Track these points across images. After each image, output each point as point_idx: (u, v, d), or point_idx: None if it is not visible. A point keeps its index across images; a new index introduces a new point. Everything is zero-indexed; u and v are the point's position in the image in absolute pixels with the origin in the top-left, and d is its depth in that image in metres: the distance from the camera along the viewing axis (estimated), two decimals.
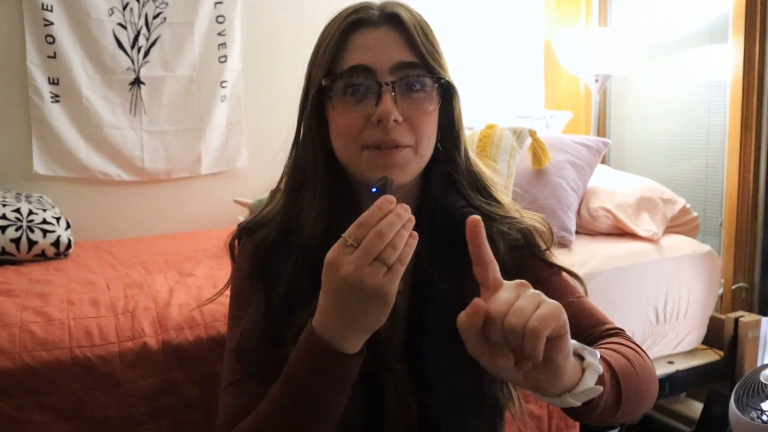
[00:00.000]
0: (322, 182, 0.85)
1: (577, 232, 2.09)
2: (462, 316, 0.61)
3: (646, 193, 2.18)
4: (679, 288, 2.05)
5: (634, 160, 2.88)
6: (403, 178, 0.82)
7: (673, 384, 2.03)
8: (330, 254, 0.66)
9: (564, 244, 1.98)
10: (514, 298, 0.61)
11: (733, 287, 2.38)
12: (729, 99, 2.42)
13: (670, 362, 2.08)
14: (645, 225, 2.09)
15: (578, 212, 2.15)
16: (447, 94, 0.85)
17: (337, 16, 0.84)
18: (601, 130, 2.98)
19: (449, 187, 0.89)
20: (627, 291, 1.96)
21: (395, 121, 0.79)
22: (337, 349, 0.68)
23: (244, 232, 0.94)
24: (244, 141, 2.52)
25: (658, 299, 2.01)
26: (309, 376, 0.70)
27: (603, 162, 2.95)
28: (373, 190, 0.73)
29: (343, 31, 0.82)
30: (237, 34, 2.47)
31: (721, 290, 2.41)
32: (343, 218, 0.72)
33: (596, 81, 2.63)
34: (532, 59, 3.05)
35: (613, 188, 2.23)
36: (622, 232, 2.12)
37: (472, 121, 1.94)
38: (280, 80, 2.51)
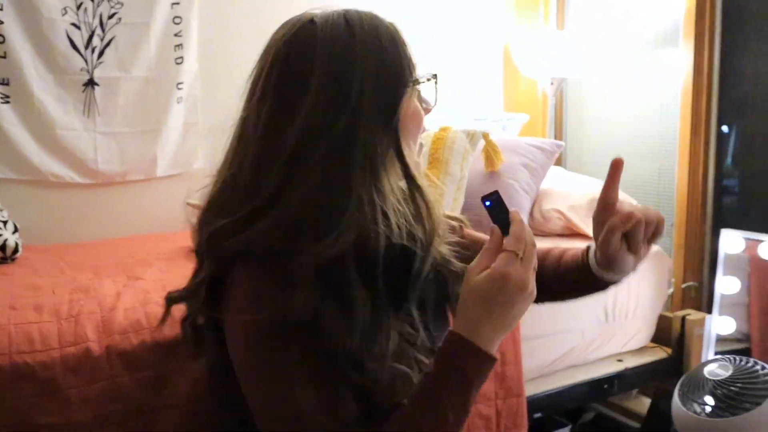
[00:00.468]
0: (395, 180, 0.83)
1: None
2: (616, 219, 0.87)
3: (595, 195, 2.21)
4: (628, 288, 2.10)
5: (591, 163, 2.93)
6: None
7: (622, 381, 2.08)
8: (510, 269, 0.75)
9: None
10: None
11: (683, 286, 2.45)
12: (680, 103, 2.48)
13: (620, 360, 2.13)
14: None
15: (531, 214, 2.19)
16: None
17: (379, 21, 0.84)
18: (558, 132, 3.03)
19: None
20: None
21: None
22: (490, 354, 0.76)
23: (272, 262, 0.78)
24: (201, 143, 2.51)
25: (607, 299, 2.05)
26: (469, 383, 0.75)
27: (559, 164, 3.01)
28: (488, 203, 0.79)
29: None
30: (194, 35, 2.46)
31: (672, 290, 2.47)
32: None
33: (552, 84, 2.67)
34: (491, 62, 3.09)
35: (566, 190, 2.27)
36: (574, 233, 2.16)
37: (428, 124, 1.97)
38: (238, 81, 2.49)
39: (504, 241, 0.77)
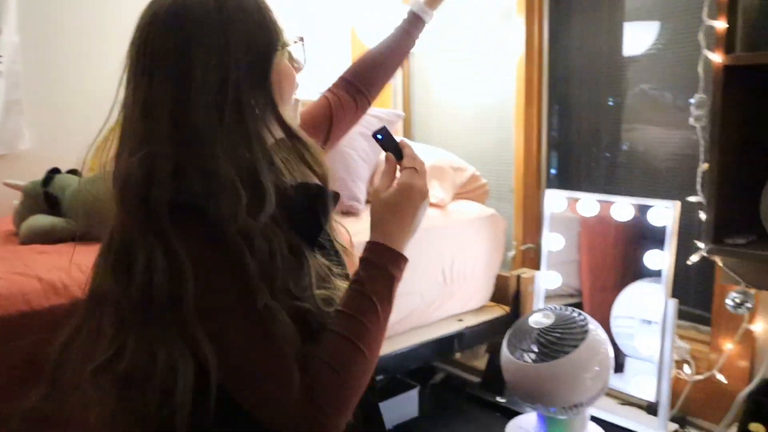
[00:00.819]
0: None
1: (368, 201, 2.17)
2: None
3: (436, 162, 2.30)
4: (465, 250, 2.19)
5: (438, 134, 3.00)
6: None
7: (462, 340, 2.17)
8: (412, 181, 0.90)
9: (353, 213, 2.04)
10: None
11: (523, 248, 2.58)
12: (515, 75, 2.60)
13: (460, 320, 2.22)
14: (434, 192, 2.20)
15: (371, 182, 2.23)
16: None
17: None
18: (407, 105, 3.10)
19: None
20: (415, 255, 2.04)
21: None
22: (403, 254, 0.90)
23: (189, 211, 0.81)
24: (26, 121, 2.35)
25: (444, 261, 2.13)
26: (391, 278, 0.88)
27: (408, 136, 3.08)
28: (379, 136, 0.94)
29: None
30: (12, 3, 2.29)
31: (513, 252, 2.60)
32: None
33: None
34: (340, 39, 3.10)
35: None
36: None
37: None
38: (66, 55, 2.36)
39: (402, 162, 0.93)
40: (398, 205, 0.89)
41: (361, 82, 1.27)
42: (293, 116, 0.94)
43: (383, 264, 0.88)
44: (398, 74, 2.94)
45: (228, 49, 0.83)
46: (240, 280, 0.78)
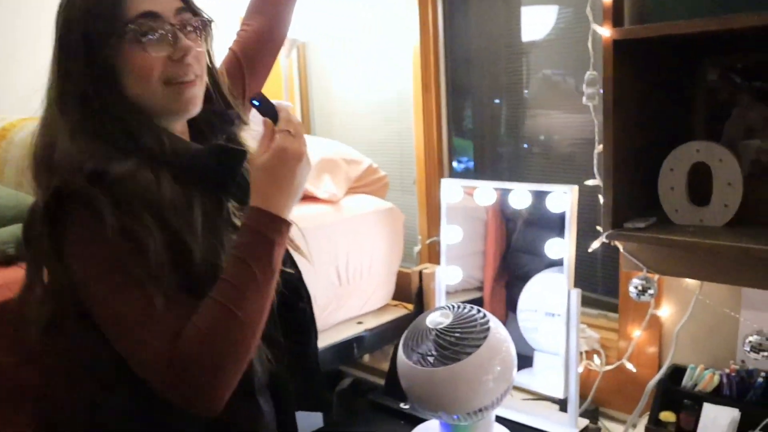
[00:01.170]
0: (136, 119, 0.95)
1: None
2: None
3: (328, 155, 2.13)
4: (361, 247, 2.04)
5: (340, 128, 2.87)
6: (197, 109, 1.00)
7: (362, 344, 2.02)
8: (286, 144, 0.91)
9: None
10: None
11: (428, 242, 2.46)
12: (411, 62, 2.47)
13: (359, 322, 2.07)
14: (324, 186, 2.04)
15: None
16: (208, 34, 1.04)
17: None
18: (304, 99, 2.94)
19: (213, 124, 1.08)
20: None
21: (193, 55, 0.96)
22: (286, 219, 0.92)
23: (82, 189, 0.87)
24: None
25: (339, 260, 1.97)
26: (270, 243, 0.89)
27: (307, 131, 2.92)
28: (256, 102, 0.94)
29: None
30: None
31: (419, 247, 2.48)
32: (174, 138, 0.98)
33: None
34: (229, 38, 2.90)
35: None
36: (304, 196, 2.05)
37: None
38: None
39: (277, 126, 0.93)
40: (273, 169, 0.90)
41: (269, 7, 1.31)
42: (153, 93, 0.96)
43: (260, 228, 0.89)
44: (293, 66, 2.79)
45: (70, 27, 0.93)
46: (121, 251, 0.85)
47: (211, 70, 1.07)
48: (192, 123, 1.06)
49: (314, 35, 2.68)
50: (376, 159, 2.34)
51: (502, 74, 2.31)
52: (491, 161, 2.40)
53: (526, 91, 2.23)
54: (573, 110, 2.05)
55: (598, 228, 1.65)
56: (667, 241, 1.41)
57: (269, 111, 0.94)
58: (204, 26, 1.01)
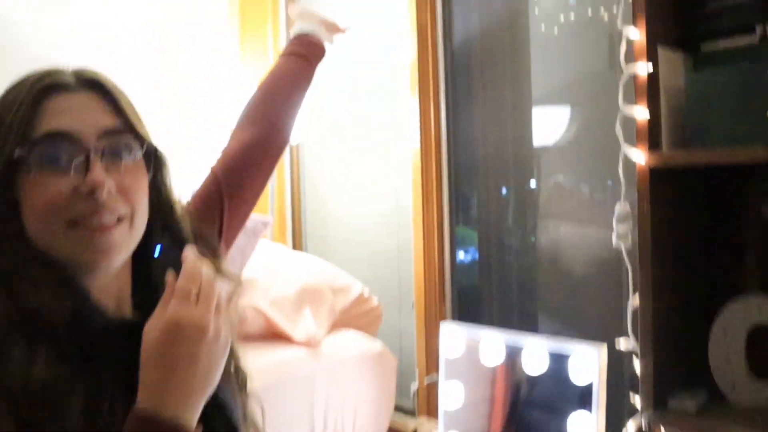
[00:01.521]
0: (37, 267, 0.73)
1: None
2: None
3: (311, 282, 1.83)
4: (343, 398, 1.69)
5: (334, 244, 2.61)
6: (118, 260, 0.76)
7: None
8: (180, 314, 0.66)
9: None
10: None
11: (427, 381, 2.08)
12: (411, 172, 2.21)
13: None
14: (303, 325, 1.72)
15: None
16: (157, 163, 0.81)
17: (22, 81, 0.76)
18: (297, 214, 2.74)
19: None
20: (276, 411, 1.54)
21: (109, 191, 0.73)
22: (186, 426, 0.66)
23: None
24: None
25: (315, 416, 1.63)
26: None
27: (298, 247, 2.68)
28: (157, 252, 0.75)
29: (35, 96, 0.74)
30: None
31: (416, 385, 2.11)
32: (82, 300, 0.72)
33: None
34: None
35: (272, 279, 1.84)
36: (277, 336, 1.73)
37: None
38: None
39: (176, 285, 0.69)
40: (164, 351, 0.66)
41: (265, 115, 1.05)
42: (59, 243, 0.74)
43: None
44: (285, 181, 2.56)
45: None
46: None
47: (161, 207, 0.83)
48: (140, 264, 0.82)
49: (309, 135, 2.46)
50: (373, 274, 2.03)
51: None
52: (499, 303, 2.08)
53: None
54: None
55: (631, 398, 1.29)
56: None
57: (175, 261, 0.70)
58: (145, 155, 0.78)
